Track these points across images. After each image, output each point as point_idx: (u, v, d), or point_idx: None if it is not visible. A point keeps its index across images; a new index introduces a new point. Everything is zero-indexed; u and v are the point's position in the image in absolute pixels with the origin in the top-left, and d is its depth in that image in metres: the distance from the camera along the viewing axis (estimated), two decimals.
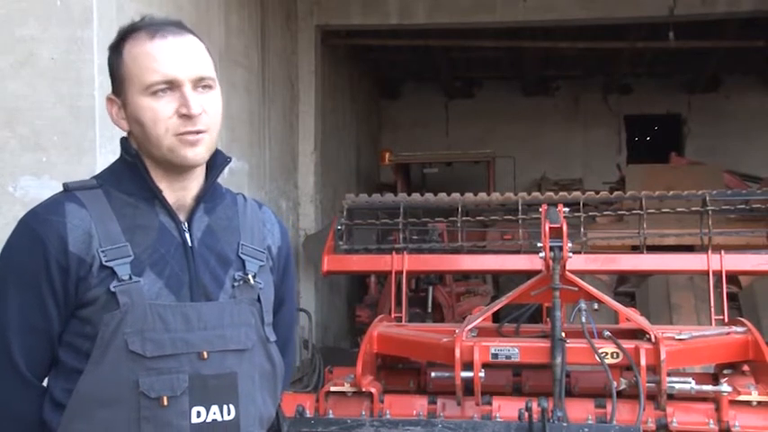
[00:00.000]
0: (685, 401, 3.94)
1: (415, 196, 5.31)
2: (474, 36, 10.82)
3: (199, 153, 1.66)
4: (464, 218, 5.10)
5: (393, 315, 4.74)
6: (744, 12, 9.11)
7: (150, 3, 4.72)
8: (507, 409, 3.79)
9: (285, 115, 8.52)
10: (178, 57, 1.64)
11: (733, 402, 3.78)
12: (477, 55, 12.35)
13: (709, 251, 4.63)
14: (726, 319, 4.42)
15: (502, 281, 8.55)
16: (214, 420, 1.62)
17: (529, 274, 4.41)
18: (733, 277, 6.79)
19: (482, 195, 5.35)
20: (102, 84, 4.02)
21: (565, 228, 3.82)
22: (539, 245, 3.87)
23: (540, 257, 3.86)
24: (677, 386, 3.78)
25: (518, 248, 4.99)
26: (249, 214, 1.81)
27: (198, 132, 1.65)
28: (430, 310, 7.78)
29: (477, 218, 5.53)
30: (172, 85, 1.63)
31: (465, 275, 8.44)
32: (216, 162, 1.75)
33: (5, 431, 1.66)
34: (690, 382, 3.82)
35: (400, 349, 4.24)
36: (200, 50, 1.69)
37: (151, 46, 1.64)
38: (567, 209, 4.10)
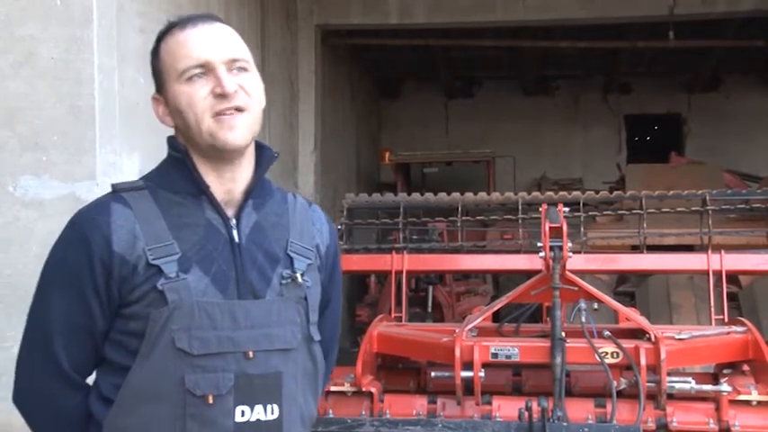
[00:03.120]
0: (685, 401, 3.93)
1: (415, 196, 5.30)
2: (474, 36, 10.82)
3: (238, 135, 1.65)
4: (464, 217, 5.09)
5: (393, 315, 4.73)
6: (743, 11, 9.11)
7: (150, 2, 4.72)
8: (507, 408, 3.78)
9: (285, 115, 8.51)
10: (209, 41, 1.66)
11: (733, 402, 3.77)
12: (477, 54, 12.35)
13: (709, 251, 4.61)
14: (726, 319, 4.41)
15: (502, 281, 8.55)
16: (258, 420, 1.62)
17: (529, 274, 4.40)
18: (733, 277, 6.78)
19: (482, 195, 5.32)
20: (102, 83, 4.01)
21: (565, 227, 3.81)
22: (539, 244, 3.86)
23: (540, 257, 3.86)
24: (677, 386, 3.78)
25: (518, 248, 4.97)
26: (299, 212, 1.82)
27: (235, 110, 1.64)
28: (430, 309, 7.80)
29: (477, 217, 5.51)
30: (206, 69, 1.64)
31: (465, 275, 8.44)
32: (264, 156, 1.75)
33: (50, 427, 1.67)
34: (690, 382, 3.81)
35: (400, 349, 4.23)
36: (231, 35, 1.71)
37: (182, 35, 1.67)
38: (567, 208, 4.08)
